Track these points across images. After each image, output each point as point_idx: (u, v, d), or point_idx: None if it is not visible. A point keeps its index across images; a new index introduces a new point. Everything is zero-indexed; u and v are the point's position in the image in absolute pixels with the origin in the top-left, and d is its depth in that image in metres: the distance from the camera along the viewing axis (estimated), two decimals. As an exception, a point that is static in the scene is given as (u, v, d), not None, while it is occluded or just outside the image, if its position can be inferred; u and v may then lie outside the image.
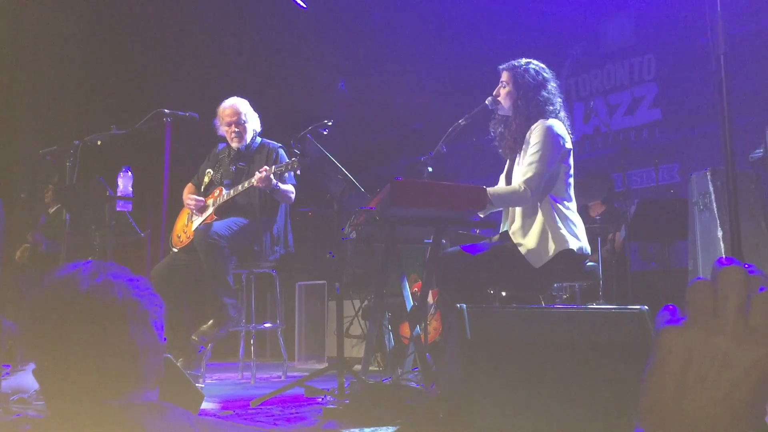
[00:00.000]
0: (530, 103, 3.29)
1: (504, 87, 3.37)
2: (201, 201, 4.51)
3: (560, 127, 3.26)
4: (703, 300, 0.55)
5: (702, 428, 0.53)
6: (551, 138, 3.20)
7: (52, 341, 1.07)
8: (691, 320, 0.55)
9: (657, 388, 0.55)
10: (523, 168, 3.21)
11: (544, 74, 3.37)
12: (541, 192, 3.19)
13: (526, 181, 3.15)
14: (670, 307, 0.58)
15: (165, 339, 1.17)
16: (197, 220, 4.49)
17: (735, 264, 0.55)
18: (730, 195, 2.06)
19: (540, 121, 3.25)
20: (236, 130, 4.57)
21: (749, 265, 0.56)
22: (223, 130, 4.64)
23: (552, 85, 3.38)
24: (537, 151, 3.18)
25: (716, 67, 2.10)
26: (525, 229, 3.21)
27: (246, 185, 4.31)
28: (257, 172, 4.26)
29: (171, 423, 1.05)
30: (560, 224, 3.17)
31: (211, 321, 4.21)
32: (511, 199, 3.21)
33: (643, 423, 0.56)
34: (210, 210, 4.47)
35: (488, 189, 3.19)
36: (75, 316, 1.07)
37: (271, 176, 4.23)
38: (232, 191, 4.38)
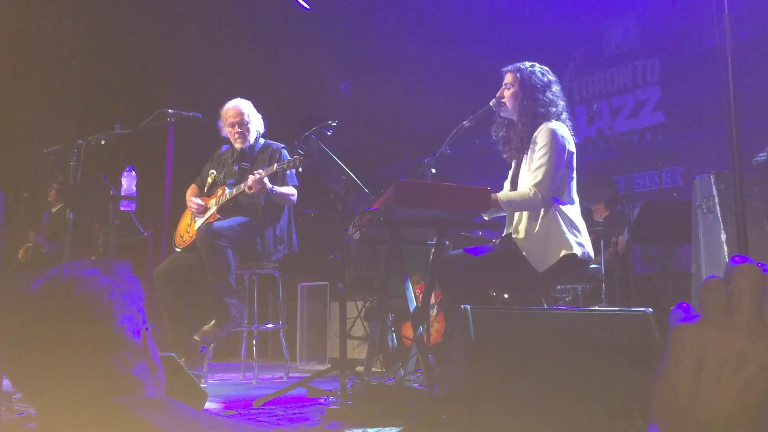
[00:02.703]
0: (537, 103, 3.29)
1: (508, 88, 3.37)
2: (202, 205, 4.52)
3: (564, 129, 3.27)
4: (717, 298, 0.55)
5: (716, 426, 0.53)
6: (557, 141, 3.20)
7: (33, 348, 1.06)
8: (705, 318, 0.55)
9: (671, 386, 0.55)
10: (531, 172, 3.21)
11: (549, 76, 3.39)
12: (551, 196, 3.20)
13: (537, 185, 3.15)
14: (684, 305, 0.58)
15: (138, 335, 1.14)
16: (200, 220, 4.49)
17: (750, 262, 0.55)
18: (738, 198, 2.06)
19: (544, 124, 3.25)
20: (239, 130, 4.57)
21: (762, 265, 0.56)
22: (226, 131, 4.65)
23: (556, 88, 3.40)
24: (544, 155, 3.18)
25: (724, 70, 2.10)
26: (529, 232, 3.20)
27: (243, 188, 4.30)
28: (250, 176, 4.26)
29: (175, 418, 1.05)
30: (564, 228, 3.17)
31: (213, 321, 4.21)
32: (522, 204, 3.20)
33: (658, 420, 0.56)
34: (213, 209, 4.47)
35: (498, 195, 3.19)
36: (48, 321, 1.06)
37: (265, 179, 4.22)
38: (234, 190, 4.39)
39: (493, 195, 3.15)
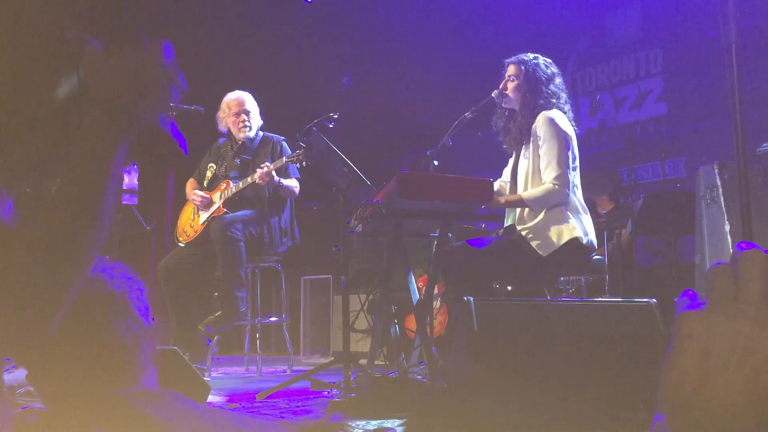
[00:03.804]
0: (540, 96, 3.31)
1: (512, 81, 3.38)
2: (207, 198, 4.51)
3: (561, 116, 3.30)
4: (724, 285, 0.54)
5: (723, 415, 0.52)
6: (556, 128, 3.23)
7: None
8: (712, 305, 0.54)
9: (677, 375, 0.54)
10: (545, 168, 3.23)
11: (553, 68, 3.41)
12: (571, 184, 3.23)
13: (557, 178, 3.18)
14: (690, 292, 0.57)
15: (151, 321, 1.16)
16: (204, 215, 4.48)
17: (757, 248, 0.54)
18: (742, 188, 2.05)
19: (542, 114, 3.27)
20: (245, 118, 4.57)
21: (769, 251, 0.55)
22: (230, 121, 4.62)
23: (559, 80, 3.42)
24: (551, 147, 3.21)
25: (727, 57, 2.08)
26: (533, 218, 3.22)
27: (250, 180, 4.31)
28: (258, 168, 4.25)
29: (176, 410, 1.05)
30: (569, 213, 3.20)
31: (219, 313, 4.21)
32: (549, 199, 3.22)
33: (663, 409, 0.55)
34: (218, 203, 4.46)
35: (522, 193, 3.25)
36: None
37: (273, 173, 4.23)
38: (241, 183, 4.38)
39: (516, 195, 3.20)
